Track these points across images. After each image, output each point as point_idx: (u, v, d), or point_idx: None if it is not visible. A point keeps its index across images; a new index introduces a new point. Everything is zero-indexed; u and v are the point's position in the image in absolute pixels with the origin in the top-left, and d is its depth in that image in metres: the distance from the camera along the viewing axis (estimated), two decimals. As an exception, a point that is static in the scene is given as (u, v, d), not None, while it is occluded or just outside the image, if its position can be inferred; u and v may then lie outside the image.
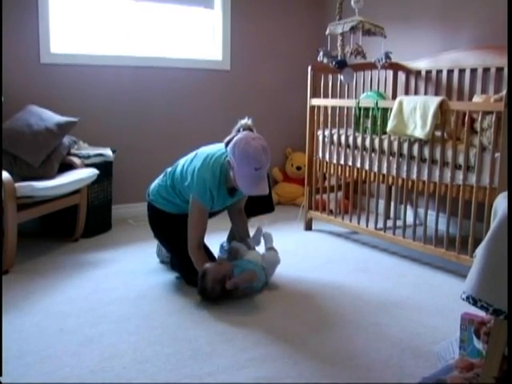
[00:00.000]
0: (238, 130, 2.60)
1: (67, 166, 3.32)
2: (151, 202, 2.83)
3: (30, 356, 1.96)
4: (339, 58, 3.51)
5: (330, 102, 3.52)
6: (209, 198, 2.55)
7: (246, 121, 2.63)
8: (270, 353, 2.01)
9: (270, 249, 2.79)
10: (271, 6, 4.47)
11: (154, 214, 2.84)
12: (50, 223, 3.56)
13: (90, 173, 3.26)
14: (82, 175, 3.21)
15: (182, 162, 2.74)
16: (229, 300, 2.49)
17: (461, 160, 2.77)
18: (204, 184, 2.53)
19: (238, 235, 2.89)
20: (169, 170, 2.82)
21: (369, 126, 3.29)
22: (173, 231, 2.74)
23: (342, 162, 3.49)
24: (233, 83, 4.39)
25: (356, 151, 3.37)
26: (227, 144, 2.54)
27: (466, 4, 3.48)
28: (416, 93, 3.79)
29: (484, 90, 3.32)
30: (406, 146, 3.04)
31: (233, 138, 2.53)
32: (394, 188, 3.80)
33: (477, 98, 3.05)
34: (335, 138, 3.51)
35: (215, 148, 2.65)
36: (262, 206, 2.97)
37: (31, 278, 2.74)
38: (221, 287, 2.44)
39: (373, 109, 3.23)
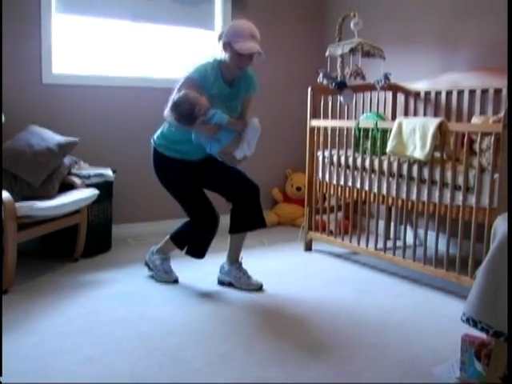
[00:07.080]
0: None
1: (68, 186, 3.33)
2: (156, 147, 2.85)
3: (28, 376, 1.94)
4: (339, 79, 3.54)
5: (329, 123, 3.54)
6: (202, 72, 2.70)
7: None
8: (270, 375, 2.00)
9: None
10: (270, 29, 4.50)
11: (158, 160, 2.87)
12: (49, 243, 3.55)
13: (91, 193, 3.27)
14: (82, 195, 3.22)
15: None
16: (228, 314, 2.48)
17: (460, 181, 2.78)
18: (199, 66, 2.74)
19: None
20: None
21: (368, 146, 3.30)
22: (178, 178, 2.82)
23: (341, 182, 3.50)
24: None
25: (356, 172, 3.38)
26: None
27: (465, 26, 3.52)
28: (415, 114, 3.81)
29: (483, 111, 3.35)
30: (405, 166, 3.05)
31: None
32: (393, 209, 3.80)
33: (475, 119, 3.07)
34: (335, 158, 3.52)
35: None
36: (253, 221, 2.94)
37: (31, 298, 2.73)
38: (188, 108, 2.58)
39: (372, 130, 3.24)
